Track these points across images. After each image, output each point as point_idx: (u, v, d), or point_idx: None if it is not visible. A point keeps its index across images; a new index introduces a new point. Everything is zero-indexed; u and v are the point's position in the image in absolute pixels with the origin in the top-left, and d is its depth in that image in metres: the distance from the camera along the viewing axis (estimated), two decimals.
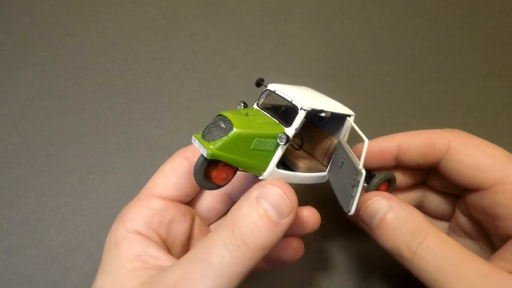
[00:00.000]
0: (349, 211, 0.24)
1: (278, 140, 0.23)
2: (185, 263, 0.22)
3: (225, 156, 0.22)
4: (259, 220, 0.21)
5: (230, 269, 0.21)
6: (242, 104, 0.26)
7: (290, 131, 0.24)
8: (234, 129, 0.22)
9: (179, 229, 0.28)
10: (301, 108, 0.24)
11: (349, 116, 0.27)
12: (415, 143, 0.29)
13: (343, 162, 0.25)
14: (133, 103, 0.45)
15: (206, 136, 0.22)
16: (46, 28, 0.50)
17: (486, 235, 0.29)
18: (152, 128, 0.43)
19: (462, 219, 0.31)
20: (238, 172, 0.24)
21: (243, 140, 0.22)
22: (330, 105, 0.26)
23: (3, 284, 0.34)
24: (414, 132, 0.30)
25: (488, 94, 0.48)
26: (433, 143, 0.29)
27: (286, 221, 0.22)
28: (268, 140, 0.23)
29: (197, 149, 0.22)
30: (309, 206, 0.28)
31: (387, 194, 0.26)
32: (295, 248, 0.28)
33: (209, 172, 0.23)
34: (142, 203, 0.27)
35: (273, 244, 0.22)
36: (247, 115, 0.24)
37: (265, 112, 0.26)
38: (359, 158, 0.23)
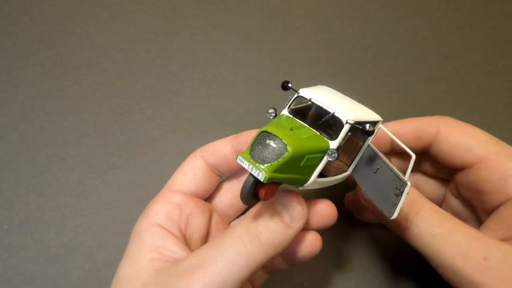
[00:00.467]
0: (391, 217, 0.24)
1: (327, 157, 0.23)
2: (200, 251, 0.24)
3: (280, 177, 0.21)
4: (273, 221, 0.24)
5: (242, 258, 0.22)
6: (274, 113, 0.24)
7: (335, 144, 0.23)
8: (289, 149, 0.20)
9: (198, 223, 0.29)
10: (347, 122, 0.23)
11: (379, 122, 0.27)
12: (407, 129, 0.32)
13: (378, 168, 0.26)
14: (133, 103, 0.45)
15: (256, 156, 0.21)
16: (46, 28, 0.50)
17: (476, 217, 0.32)
18: (152, 128, 0.43)
19: (453, 202, 0.34)
20: None
21: (296, 159, 0.21)
22: (366, 113, 0.26)
23: (3, 284, 0.34)
24: (404, 120, 0.33)
25: (488, 94, 0.48)
26: (424, 128, 0.31)
27: (297, 226, 0.25)
28: (317, 155, 0.23)
29: (248, 170, 0.21)
30: (325, 199, 0.28)
31: None
32: (312, 241, 0.28)
33: (255, 190, 0.22)
34: (163, 198, 0.29)
35: (283, 245, 0.24)
36: (291, 129, 0.22)
37: (302, 122, 0.24)
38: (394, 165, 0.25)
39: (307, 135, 0.23)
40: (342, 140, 0.23)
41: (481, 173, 0.29)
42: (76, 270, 0.34)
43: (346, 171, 0.28)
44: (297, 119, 0.24)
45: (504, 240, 0.26)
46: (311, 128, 0.24)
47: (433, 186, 0.35)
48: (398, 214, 0.24)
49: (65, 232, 0.36)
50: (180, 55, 0.49)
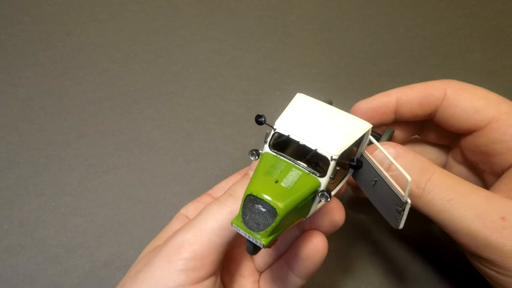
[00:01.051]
0: (397, 227, 0.25)
1: (320, 198, 0.22)
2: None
3: (278, 234, 0.21)
4: (241, 179, 0.26)
5: (222, 214, 0.24)
6: (255, 156, 0.23)
7: (325, 182, 0.22)
8: (279, 212, 0.20)
9: None
10: (332, 159, 0.22)
11: (368, 131, 0.26)
12: (413, 94, 0.31)
13: (376, 180, 0.25)
14: (133, 103, 0.45)
15: (250, 224, 0.20)
16: (46, 28, 0.50)
17: (481, 182, 0.31)
18: (152, 128, 0.43)
19: (456, 168, 0.33)
20: None
21: (289, 214, 0.21)
22: (349, 129, 0.24)
23: (3, 284, 0.34)
24: (410, 86, 0.32)
25: None
26: (430, 92, 0.30)
27: None
28: (309, 198, 0.22)
29: (245, 237, 0.21)
30: (334, 198, 0.28)
31: (392, 143, 0.27)
32: (316, 244, 0.28)
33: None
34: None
35: None
36: (276, 182, 0.21)
37: (286, 160, 0.23)
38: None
39: (294, 181, 0.21)
40: (332, 175, 0.22)
41: (492, 134, 0.28)
42: (76, 270, 0.34)
43: (346, 175, 0.27)
44: (281, 157, 0.23)
45: None
46: (297, 166, 0.22)
47: (434, 154, 0.34)
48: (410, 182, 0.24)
49: (65, 232, 0.36)
50: (180, 55, 0.49)
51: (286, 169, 0.22)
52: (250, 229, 0.20)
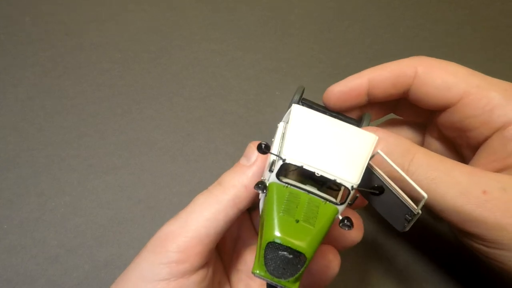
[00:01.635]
0: (403, 230, 0.24)
1: (342, 227, 0.20)
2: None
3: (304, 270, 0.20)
4: (233, 168, 0.26)
5: (210, 202, 0.24)
6: (263, 188, 0.21)
7: (343, 208, 0.21)
8: (307, 256, 0.19)
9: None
10: (352, 188, 0.21)
11: (375, 142, 0.25)
12: (385, 74, 0.30)
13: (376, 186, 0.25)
14: (133, 103, 0.45)
15: (276, 272, 0.19)
16: (46, 28, 0.50)
17: (460, 157, 0.32)
18: (152, 128, 0.43)
19: (434, 145, 0.33)
20: None
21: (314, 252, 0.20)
22: (358, 148, 0.22)
23: (3, 284, 0.34)
24: (381, 65, 0.31)
25: None
26: (402, 71, 0.30)
27: (251, 164, 0.25)
28: (329, 227, 0.20)
29: (272, 284, 0.20)
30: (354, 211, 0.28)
31: (373, 127, 0.27)
32: (329, 260, 0.26)
33: None
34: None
35: (243, 182, 0.24)
36: (297, 221, 0.20)
37: (299, 190, 0.21)
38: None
39: (315, 216, 0.20)
40: (350, 202, 0.21)
41: (464, 109, 0.27)
42: (76, 270, 0.34)
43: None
44: (292, 187, 0.21)
45: (497, 172, 0.26)
46: (312, 196, 0.21)
47: (411, 133, 0.34)
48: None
49: (65, 232, 0.36)
50: (180, 55, 0.49)
51: (302, 203, 0.20)
52: (277, 277, 0.19)
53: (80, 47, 0.48)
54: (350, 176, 0.20)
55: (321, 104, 0.31)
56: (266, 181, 0.21)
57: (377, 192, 0.22)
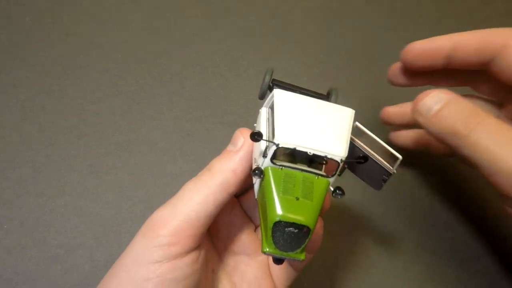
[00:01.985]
0: (380, 189, 0.26)
1: (335, 196, 0.22)
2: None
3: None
4: (221, 154, 0.26)
5: (199, 187, 0.25)
6: (260, 173, 0.22)
7: (334, 179, 0.23)
8: (311, 229, 0.21)
9: None
10: (342, 161, 0.22)
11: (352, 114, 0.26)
12: (471, 39, 0.29)
13: (361, 156, 0.26)
14: (133, 103, 0.45)
15: (284, 247, 0.21)
16: (46, 28, 0.50)
17: None
18: (152, 128, 0.43)
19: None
20: None
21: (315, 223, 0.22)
22: (340, 122, 0.24)
23: (3, 284, 0.34)
24: (468, 32, 0.30)
25: None
26: (490, 39, 0.29)
27: (238, 149, 0.25)
28: (324, 199, 0.22)
29: (283, 259, 0.22)
30: None
31: (444, 90, 0.27)
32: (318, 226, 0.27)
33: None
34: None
35: (231, 167, 0.25)
36: (297, 199, 0.21)
37: (293, 170, 0.22)
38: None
39: (311, 192, 0.22)
40: (339, 173, 0.23)
41: None
42: (76, 270, 0.34)
43: None
44: (286, 168, 0.22)
45: None
46: (305, 173, 0.22)
47: (485, 109, 0.33)
48: (456, 123, 0.25)
49: (65, 232, 0.36)
50: (180, 55, 0.49)
51: (298, 181, 0.22)
52: (286, 251, 0.21)
53: (80, 47, 0.48)
54: (338, 150, 0.22)
55: (289, 82, 0.31)
56: (261, 166, 0.22)
57: (363, 161, 0.24)
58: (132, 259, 0.24)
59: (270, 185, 0.22)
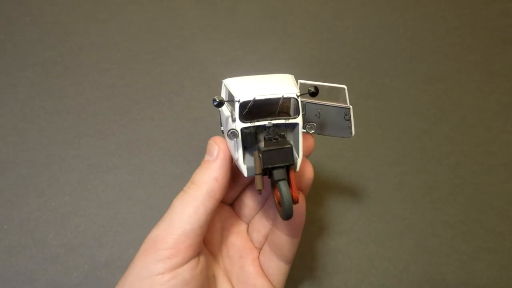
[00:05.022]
0: (351, 135, 0.29)
1: (308, 130, 0.26)
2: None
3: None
4: (200, 166, 0.27)
5: (188, 201, 0.26)
6: (237, 135, 0.25)
7: (301, 119, 0.25)
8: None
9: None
10: (298, 96, 0.25)
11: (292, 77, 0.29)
12: None
13: (319, 111, 0.29)
14: (133, 103, 0.45)
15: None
16: (46, 28, 0.50)
17: None
18: (152, 128, 0.43)
19: None
20: None
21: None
22: (285, 79, 0.27)
23: (3, 284, 0.34)
24: None
25: (488, 94, 0.48)
26: None
27: (215, 158, 0.27)
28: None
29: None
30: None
31: None
32: (305, 166, 0.29)
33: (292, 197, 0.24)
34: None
35: (212, 175, 0.26)
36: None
37: (265, 122, 0.25)
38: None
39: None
40: (303, 112, 0.26)
41: None
42: (76, 270, 0.34)
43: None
44: (257, 123, 0.25)
45: None
46: (275, 122, 0.25)
47: None
48: None
49: (65, 232, 0.36)
50: (180, 55, 0.49)
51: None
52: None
53: (80, 47, 0.48)
54: (291, 89, 0.25)
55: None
56: (234, 129, 0.25)
57: (314, 91, 0.25)
58: (134, 276, 0.25)
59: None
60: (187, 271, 0.25)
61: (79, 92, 0.45)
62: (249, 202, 0.32)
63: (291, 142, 0.24)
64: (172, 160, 0.41)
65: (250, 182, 0.32)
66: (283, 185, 0.23)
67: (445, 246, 0.37)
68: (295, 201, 0.24)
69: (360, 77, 0.49)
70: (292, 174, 0.24)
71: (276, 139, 0.24)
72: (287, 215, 0.23)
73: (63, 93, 0.45)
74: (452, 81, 0.49)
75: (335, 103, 0.28)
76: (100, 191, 0.39)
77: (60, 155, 0.40)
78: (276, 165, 0.23)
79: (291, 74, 0.27)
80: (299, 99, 0.25)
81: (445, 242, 0.38)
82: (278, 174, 0.23)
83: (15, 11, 0.51)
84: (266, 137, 0.25)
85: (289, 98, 0.25)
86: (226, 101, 0.25)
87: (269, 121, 0.24)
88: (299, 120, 0.25)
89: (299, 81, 0.28)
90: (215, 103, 0.24)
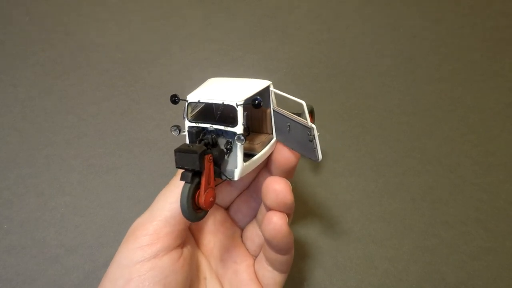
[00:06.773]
0: (318, 160, 0.27)
1: (237, 142, 0.25)
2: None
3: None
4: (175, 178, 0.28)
5: (170, 191, 0.27)
6: (177, 131, 0.26)
7: (240, 128, 0.25)
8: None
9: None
10: (237, 105, 0.25)
11: (269, 86, 0.28)
12: None
13: (289, 125, 0.27)
14: (133, 103, 0.45)
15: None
16: (46, 28, 0.50)
17: None
18: (152, 128, 0.43)
19: None
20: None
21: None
22: (251, 86, 0.27)
23: (3, 284, 0.34)
24: None
25: (488, 94, 0.48)
26: None
27: None
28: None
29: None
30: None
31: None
32: (282, 152, 0.28)
33: (195, 202, 0.24)
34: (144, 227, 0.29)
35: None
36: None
37: (203, 125, 0.26)
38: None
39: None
40: (243, 122, 0.25)
41: None
42: (76, 270, 0.34)
43: (272, 139, 0.29)
44: (202, 124, 0.26)
45: None
46: (216, 126, 0.26)
47: None
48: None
49: (65, 232, 0.36)
50: (180, 55, 0.49)
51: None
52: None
53: (80, 47, 0.48)
54: (233, 98, 0.25)
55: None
56: (184, 127, 0.27)
57: (256, 103, 0.25)
58: (117, 265, 0.25)
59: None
60: (168, 263, 0.25)
61: (79, 92, 0.45)
62: (242, 208, 0.32)
63: (217, 150, 0.25)
64: (172, 160, 0.41)
65: (247, 187, 0.32)
66: (184, 187, 0.24)
67: (445, 246, 0.37)
68: (200, 207, 0.24)
69: (360, 77, 0.49)
70: (203, 180, 0.24)
71: (208, 143, 0.25)
72: (184, 216, 0.24)
73: (63, 93, 0.45)
74: (452, 81, 0.49)
75: (300, 120, 0.26)
76: (100, 191, 0.39)
77: (60, 155, 0.40)
78: (185, 167, 0.24)
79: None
80: (238, 109, 0.25)
81: (445, 242, 0.38)
82: (183, 175, 0.24)
83: (15, 11, 0.51)
84: (203, 139, 0.25)
85: (230, 106, 0.25)
86: (180, 99, 0.27)
87: (211, 125, 0.26)
88: (236, 129, 0.25)
89: (271, 90, 0.28)
90: (172, 101, 0.26)
